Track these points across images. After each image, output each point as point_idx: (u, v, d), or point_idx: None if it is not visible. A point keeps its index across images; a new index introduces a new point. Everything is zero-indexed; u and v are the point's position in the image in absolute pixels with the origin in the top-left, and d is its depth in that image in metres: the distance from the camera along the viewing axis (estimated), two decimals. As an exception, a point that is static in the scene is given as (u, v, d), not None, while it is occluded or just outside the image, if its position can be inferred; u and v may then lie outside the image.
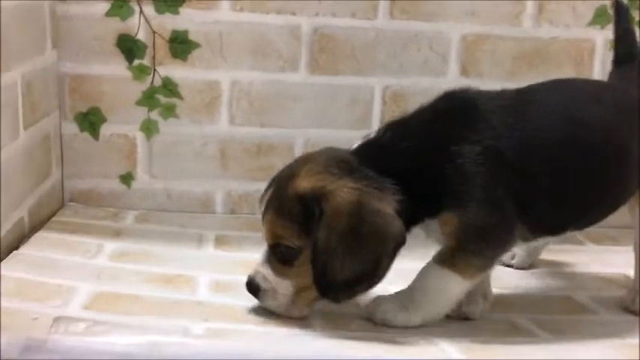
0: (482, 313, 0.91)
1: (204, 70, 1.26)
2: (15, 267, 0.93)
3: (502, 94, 0.90)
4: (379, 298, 0.87)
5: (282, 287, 0.84)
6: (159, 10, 1.23)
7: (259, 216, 0.87)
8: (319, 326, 0.84)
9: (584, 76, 1.30)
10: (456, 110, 0.86)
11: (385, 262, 0.81)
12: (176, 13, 1.23)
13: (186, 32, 1.24)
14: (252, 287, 0.86)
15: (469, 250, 0.84)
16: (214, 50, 1.25)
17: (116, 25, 1.23)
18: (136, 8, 1.22)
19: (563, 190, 0.87)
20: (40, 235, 1.08)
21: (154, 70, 1.25)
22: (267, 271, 0.84)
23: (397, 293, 0.86)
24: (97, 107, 1.26)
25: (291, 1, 1.24)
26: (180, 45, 1.24)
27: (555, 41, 1.30)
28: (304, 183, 0.82)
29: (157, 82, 1.26)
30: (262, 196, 0.86)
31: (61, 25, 1.21)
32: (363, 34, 1.27)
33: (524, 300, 0.99)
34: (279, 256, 0.83)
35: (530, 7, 1.29)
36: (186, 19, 1.24)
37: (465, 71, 1.30)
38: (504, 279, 1.05)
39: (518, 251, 1.10)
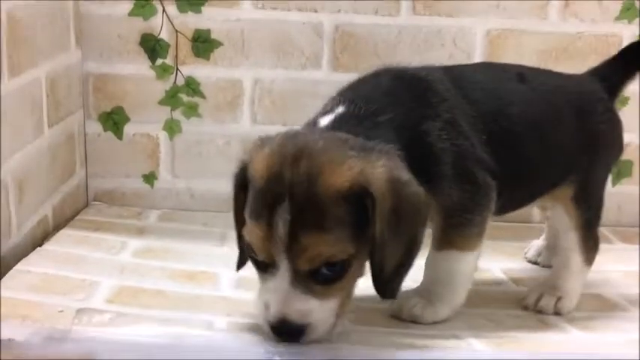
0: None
1: (227, 68, 1.26)
2: (39, 262, 0.93)
3: (433, 69, 0.88)
4: (403, 295, 0.83)
5: (329, 309, 0.72)
6: (181, 9, 1.24)
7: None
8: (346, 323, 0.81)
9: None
10: (408, 86, 0.83)
11: (422, 233, 0.76)
12: (198, 12, 1.24)
13: (208, 31, 1.24)
14: (292, 331, 0.71)
15: (459, 225, 0.82)
16: (236, 49, 1.25)
17: (139, 25, 1.24)
18: (159, 7, 1.23)
19: (498, 160, 0.84)
20: (64, 233, 1.08)
21: (177, 69, 1.25)
22: (304, 303, 0.71)
23: (416, 290, 0.85)
24: (121, 107, 1.26)
25: (313, -2, 1.24)
26: (203, 44, 1.24)
27: (582, 36, 1.28)
28: (339, 178, 0.70)
29: (180, 81, 1.26)
30: (271, 219, 0.69)
31: (84, 24, 1.22)
32: (385, 31, 1.26)
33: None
34: (324, 277, 0.71)
35: (555, 1, 1.27)
36: (209, 18, 1.24)
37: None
38: (533, 275, 1.03)
39: (543, 250, 1.08)
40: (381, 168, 0.72)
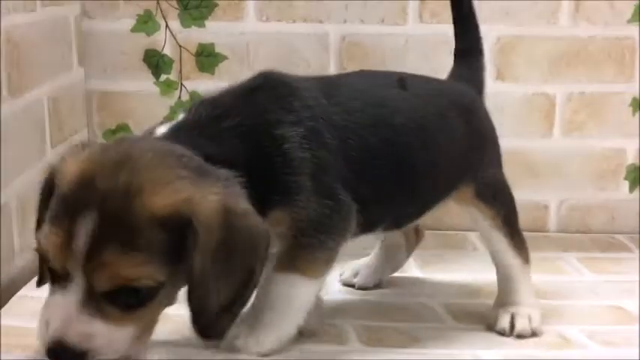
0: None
1: (232, 82, 1.24)
2: (42, 288, 0.91)
3: (307, 77, 0.82)
4: None
5: (121, 336, 0.64)
6: (185, 24, 1.22)
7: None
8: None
9: (626, 76, 1.25)
10: (269, 88, 0.76)
11: (259, 268, 0.68)
12: (202, 26, 1.22)
13: (212, 45, 1.23)
14: (69, 356, 0.62)
15: (309, 246, 0.74)
16: (241, 62, 1.23)
17: (142, 41, 1.22)
18: (162, 23, 1.22)
19: (376, 176, 0.79)
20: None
21: (181, 84, 1.24)
22: (88, 326, 0.62)
23: (242, 316, 0.72)
24: (126, 123, 1.25)
25: (318, 8, 1.22)
26: (207, 58, 1.22)
27: (594, 40, 1.25)
28: (160, 200, 0.62)
29: (185, 96, 1.24)
30: (72, 226, 0.62)
31: (86, 41, 1.21)
32: (392, 40, 1.24)
33: (574, 310, 0.94)
34: (122, 302, 0.63)
35: (566, 5, 1.24)
36: (212, 32, 1.22)
37: (500, 75, 1.26)
38: (552, 289, 1.00)
39: (361, 269, 1.02)
40: (213, 196, 0.64)
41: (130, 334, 0.64)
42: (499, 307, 0.88)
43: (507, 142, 0.94)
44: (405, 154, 0.81)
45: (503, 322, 0.86)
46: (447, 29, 1.24)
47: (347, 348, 0.80)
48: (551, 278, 1.05)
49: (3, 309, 0.82)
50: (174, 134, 0.70)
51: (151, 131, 0.72)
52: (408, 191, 0.82)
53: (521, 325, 0.85)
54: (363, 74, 0.90)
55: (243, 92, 0.75)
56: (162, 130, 0.71)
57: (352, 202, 0.76)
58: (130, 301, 0.63)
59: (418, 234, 1.03)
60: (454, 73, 0.96)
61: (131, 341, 0.65)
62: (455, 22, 0.98)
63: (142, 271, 0.62)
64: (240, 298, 0.67)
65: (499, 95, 1.23)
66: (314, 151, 0.74)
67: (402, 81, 0.87)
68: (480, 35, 0.97)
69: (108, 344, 0.63)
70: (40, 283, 0.72)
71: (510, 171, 0.93)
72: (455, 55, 0.98)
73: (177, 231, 0.63)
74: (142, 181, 0.63)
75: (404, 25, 1.24)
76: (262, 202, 0.70)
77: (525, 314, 0.86)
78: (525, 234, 0.90)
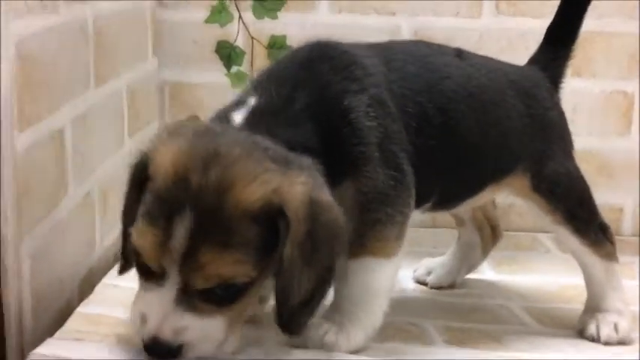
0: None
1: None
2: (125, 275, 0.91)
3: (362, 44, 0.79)
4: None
5: (213, 328, 0.65)
6: (257, 16, 1.21)
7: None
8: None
9: None
10: (329, 58, 0.74)
11: (338, 262, 0.67)
12: (275, 17, 1.21)
13: (284, 37, 1.22)
14: (166, 352, 0.63)
15: (376, 222, 0.72)
16: (312, 54, 1.22)
17: (215, 32, 1.22)
18: (235, 14, 1.21)
19: (430, 146, 0.76)
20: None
21: (252, 76, 1.23)
22: (182, 320, 0.63)
23: (326, 312, 0.73)
24: (196, 115, 1.24)
25: (391, 0, 1.20)
26: (279, 50, 1.21)
27: (678, 35, 1.20)
28: (251, 194, 0.62)
29: (255, 88, 1.24)
30: (169, 226, 0.62)
31: (160, 31, 1.21)
32: (466, 34, 1.21)
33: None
34: (216, 298, 0.64)
35: (648, -2, 1.20)
36: (285, 24, 1.21)
37: (577, 71, 1.21)
38: (629, 294, 0.96)
39: (436, 268, 0.99)
40: (300, 186, 0.64)
41: (222, 326, 0.65)
42: (587, 312, 0.86)
43: (582, 140, 0.91)
44: (455, 121, 0.78)
45: (591, 330, 0.83)
46: (525, 23, 1.22)
47: (432, 348, 0.79)
48: (628, 283, 1.02)
49: (87, 298, 0.83)
50: (252, 123, 0.70)
51: (226, 117, 0.72)
52: (457, 163, 0.80)
53: (605, 334, 0.82)
54: (419, 42, 0.88)
55: (303, 65, 0.74)
56: (238, 117, 0.71)
57: (413, 176, 0.74)
58: (224, 297, 0.64)
59: (495, 233, 1.00)
60: (533, 58, 0.93)
61: (224, 332, 0.65)
62: (561, 7, 0.92)
63: (238, 269, 0.62)
64: (318, 293, 0.66)
65: (575, 92, 1.20)
66: (380, 119, 0.72)
67: (460, 52, 0.85)
68: (578, 30, 0.93)
69: (201, 337, 0.64)
70: (121, 272, 0.73)
71: (584, 171, 0.90)
72: (543, 38, 0.93)
73: (269, 223, 0.63)
74: (232, 177, 0.63)
75: (479, 18, 1.21)
76: (332, 176, 0.69)
77: (610, 322, 0.83)
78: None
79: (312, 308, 0.67)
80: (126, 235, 0.68)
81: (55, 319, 0.79)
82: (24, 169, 0.71)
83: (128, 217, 0.68)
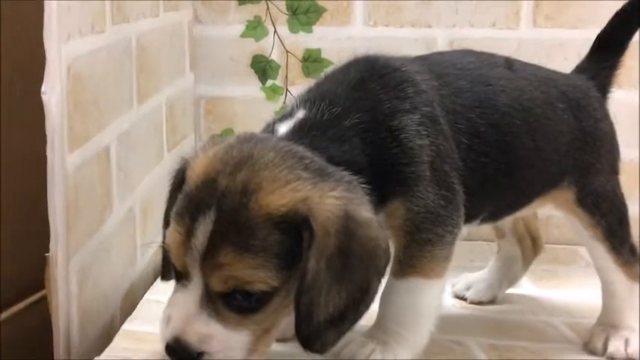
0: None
1: (337, 88, 1.23)
2: (166, 291, 0.92)
3: (413, 58, 0.79)
4: (354, 340, 0.71)
5: (237, 341, 0.63)
6: (292, 30, 1.22)
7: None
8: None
9: None
10: (379, 76, 0.73)
11: (376, 284, 0.65)
12: (310, 31, 1.21)
13: (318, 50, 1.22)
14: (185, 355, 0.62)
15: (426, 242, 0.71)
16: (347, 67, 1.22)
17: (250, 46, 1.22)
18: (270, 28, 1.22)
19: (482, 164, 0.75)
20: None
21: (287, 90, 1.23)
22: (206, 327, 0.62)
23: (370, 331, 0.72)
24: (231, 129, 1.25)
25: (427, 12, 1.20)
26: (313, 64, 1.22)
27: None
28: (277, 199, 0.61)
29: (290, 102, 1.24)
30: (193, 225, 0.62)
31: (197, 47, 1.22)
32: (503, 45, 1.19)
33: None
34: (237, 305, 0.62)
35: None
36: (319, 37, 1.21)
37: (617, 82, 1.19)
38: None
39: (475, 283, 0.97)
40: (333, 199, 0.62)
41: (246, 340, 0.63)
42: (598, 326, 0.85)
43: (622, 151, 0.89)
44: (509, 137, 0.77)
45: (597, 342, 0.82)
46: (562, 34, 1.20)
47: (479, 367, 0.78)
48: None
49: (131, 315, 0.83)
50: (297, 134, 0.69)
51: (272, 129, 0.71)
52: (509, 180, 0.78)
53: (614, 347, 0.81)
54: (468, 52, 0.86)
55: (354, 83, 0.73)
56: (283, 128, 0.70)
57: (462, 195, 0.73)
58: (244, 305, 0.62)
59: (536, 245, 0.99)
60: (580, 66, 0.91)
61: (247, 349, 0.64)
62: (617, 15, 0.89)
63: (255, 274, 0.61)
64: (351, 313, 0.64)
65: (614, 102, 1.18)
66: (432, 138, 0.71)
67: (510, 62, 0.83)
68: (630, 39, 0.90)
69: (224, 348, 0.63)
70: (164, 278, 0.73)
71: (623, 182, 0.88)
72: (592, 45, 0.91)
73: (294, 232, 0.61)
74: (260, 180, 0.62)
75: (516, 29, 1.20)
76: (381, 197, 0.68)
77: (622, 337, 0.82)
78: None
79: (342, 328, 0.64)
80: (164, 237, 0.68)
81: (100, 335, 0.79)
82: (73, 189, 0.72)
83: (166, 220, 0.68)
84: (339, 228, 0.62)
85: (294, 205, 0.61)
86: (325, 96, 0.72)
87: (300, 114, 0.71)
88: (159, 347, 0.72)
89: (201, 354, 0.62)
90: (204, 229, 0.61)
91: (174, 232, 0.63)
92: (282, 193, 0.61)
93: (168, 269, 0.71)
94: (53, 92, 0.67)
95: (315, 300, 0.62)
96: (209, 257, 0.61)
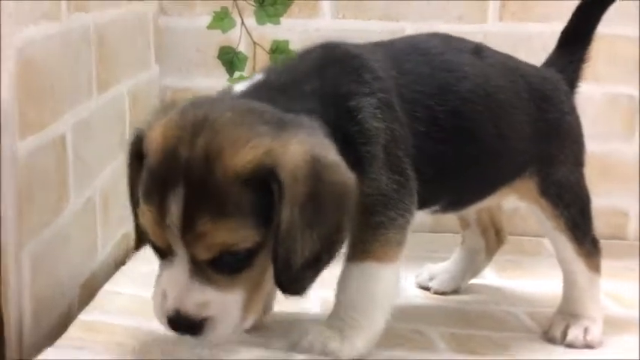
0: None
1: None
2: (127, 282, 0.91)
3: (376, 45, 0.79)
4: (312, 328, 0.72)
5: (233, 300, 0.65)
6: (260, 21, 1.21)
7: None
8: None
9: None
10: (338, 62, 0.73)
11: (346, 223, 0.66)
12: (277, 23, 1.21)
13: (286, 42, 1.21)
14: (190, 325, 0.64)
15: (379, 226, 0.71)
16: (315, 60, 1.22)
17: (217, 38, 1.22)
18: (238, 20, 1.21)
19: (440, 153, 0.75)
20: (148, 251, 1.06)
21: (254, 81, 1.23)
22: (203, 295, 0.63)
23: (327, 320, 0.73)
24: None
25: (395, 6, 1.20)
26: (281, 55, 1.21)
27: (682, 40, 1.20)
28: (241, 158, 0.61)
29: (257, 94, 1.23)
30: (164, 202, 0.62)
31: (163, 38, 1.21)
32: (470, 39, 1.20)
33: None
34: (226, 267, 0.63)
35: (652, 3, 1.19)
36: (287, 29, 1.21)
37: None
38: (634, 298, 0.95)
39: (439, 274, 0.98)
40: (296, 146, 0.62)
41: (240, 299, 0.65)
42: (559, 315, 0.85)
43: (586, 144, 0.90)
44: (470, 123, 0.77)
45: (556, 331, 0.83)
46: (529, 28, 1.21)
47: (439, 356, 0.78)
48: (633, 287, 1.01)
49: (88, 305, 0.82)
50: (255, 93, 0.69)
51: (228, 90, 0.71)
52: (470, 167, 0.79)
53: (573, 335, 0.82)
54: (435, 36, 0.85)
55: (313, 67, 0.73)
56: (240, 88, 0.70)
57: (415, 180, 0.74)
58: (234, 265, 0.63)
59: (499, 237, 1.00)
60: (549, 59, 0.92)
61: (243, 307, 0.65)
62: (579, 8, 0.91)
63: (236, 235, 0.62)
64: (325, 254, 0.65)
65: (578, 95, 1.18)
66: (388, 122, 0.72)
67: (479, 48, 0.83)
68: (594, 31, 0.92)
69: (222, 311, 0.64)
70: (137, 248, 0.75)
71: (588, 175, 0.89)
72: (559, 40, 0.92)
73: (264, 187, 0.62)
74: (221, 142, 0.62)
75: (483, 23, 1.20)
76: None
77: (581, 326, 0.83)
78: (603, 242, 0.86)
79: (317, 269, 0.65)
80: (136, 215, 0.68)
81: (55, 325, 0.78)
82: (26, 176, 0.71)
83: (133, 195, 0.68)
84: (307, 173, 0.62)
85: (259, 161, 0.61)
86: (286, 67, 0.73)
87: (257, 77, 0.71)
88: (114, 338, 0.72)
89: (202, 320, 0.63)
90: (176, 204, 0.61)
91: (147, 213, 0.63)
92: (245, 151, 0.62)
93: (140, 241, 0.71)
94: (3, 77, 0.66)
95: (291, 248, 0.62)
96: (188, 230, 0.61)
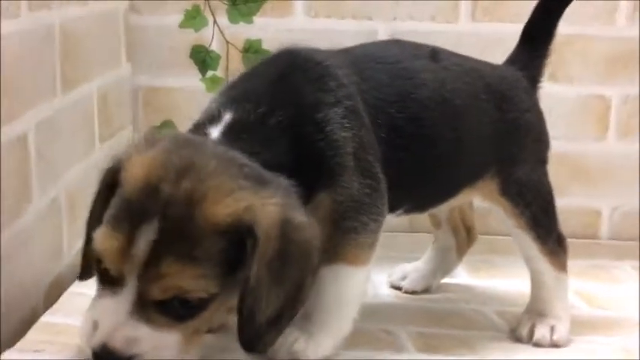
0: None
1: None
2: (92, 285, 0.90)
3: (335, 51, 0.79)
4: None
5: (167, 341, 0.63)
6: (233, 20, 1.20)
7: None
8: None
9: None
10: (301, 70, 0.73)
11: (309, 281, 0.67)
12: (250, 22, 1.20)
13: (259, 41, 1.21)
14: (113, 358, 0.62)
15: (351, 230, 0.72)
16: (288, 59, 1.21)
17: (190, 36, 1.21)
18: (210, 18, 1.20)
19: (401, 157, 0.76)
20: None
21: (227, 81, 1.22)
22: (135, 331, 0.62)
23: (297, 321, 0.72)
24: (170, 120, 1.23)
25: (368, 4, 1.20)
26: (254, 55, 1.21)
27: (653, 40, 1.20)
28: (222, 209, 0.62)
29: (230, 93, 1.23)
30: (133, 233, 0.61)
31: (134, 36, 1.20)
32: (443, 38, 1.19)
33: (633, 321, 0.90)
34: (172, 312, 0.63)
35: (624, 5, 1.20)
36: (260, 28, 1.21)
37: (553, 76, 1.21)
38: (606, 297, 0.96)
39: (411, 273, 0.98)
40: (273, 206, 0.64)
41: (176, 341, 0.64)
42: (526, 314, 0.86)
43: (559, 144, 0.91)
44: (429, 130, 0.78)
45: (523, 330, 0.83)
46: (501, 28, 1.22)
47: (404, 356, 0.78)
48: (605, 287, 1.01)
49: (52, 307, 0.81)
50: (228, 137, 0.69)
51: (203, 131, 0.71)
52: (430, 172, 0.79)
53: (540, 334, 0.82)
54: (392, 43, 0.86)
55: (276, 77, 0.73)
56: (215, 132, 0.70)
57: (385, 184, 0.74)
58: (181, 312, 0.63)
59: (470, 236, 1.00)
60: (511, 57, 0.92)
61: (178, 348, 0.64)
62: (539, 5, 0.91)
63: (197, 283, 0.62)
64: (288, 311, 0.66)
65: (551, 96, 1.19)
66: (355, 130, 0.72)
67: (435, 52, 0.83)
68: (555, 28, 0.91)
69: (153, 349, 0.63)
70: (82, 278, 0.72)
71: (561, 175, 0.90)
72: (520, 37, 0.92)
73: (237, 240, 0.62)
74: (205, 190, 0.62)
75: (455, 23, 1.20)
76: (309, 190, 0.69)
77: (548, 325, 0.83)
78: (576, 241, 0.87)
79: (280, 327, 0.66)
80: (89, 239, 0.66)
81: (19, 327, 0.77)
82: (-16, 176, 0.70)
83: (93, 220, 0.67)
84: (279, 233, 0.64)
85: (239, 215, 0.62)
86: (250, 95, 0.72)
87: (228, 116, 0.71)
88: (74, 340, 0.71)
89: (131, 357, 0.62)
90: (146, 237, 0.61)
91: (111, 238, 0.62)
92: (227, 202, 0.62)
93: (88, 270, 0.70)
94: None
95: (256, 303, 0.63)
96: (151, 266, 0.61)
